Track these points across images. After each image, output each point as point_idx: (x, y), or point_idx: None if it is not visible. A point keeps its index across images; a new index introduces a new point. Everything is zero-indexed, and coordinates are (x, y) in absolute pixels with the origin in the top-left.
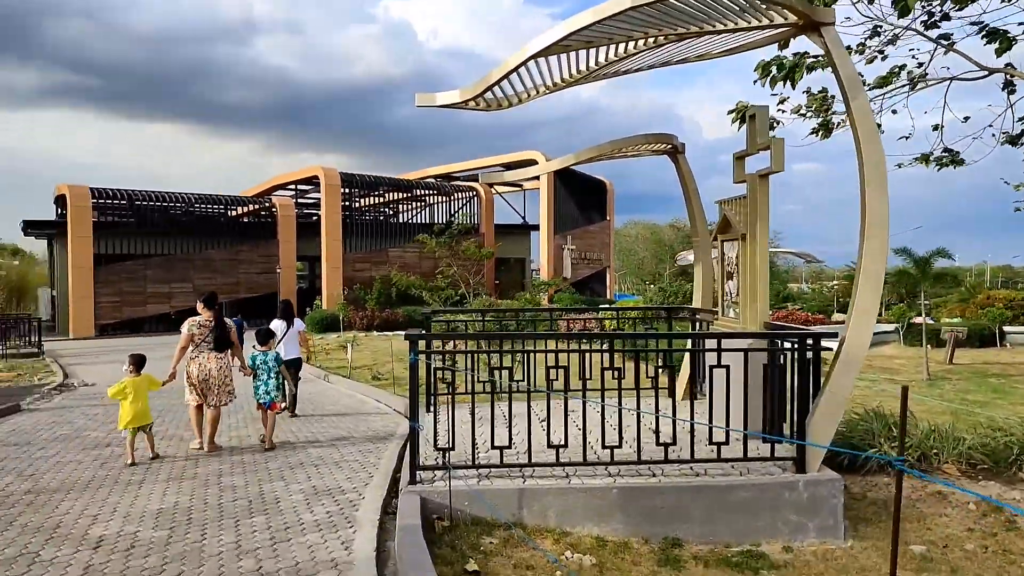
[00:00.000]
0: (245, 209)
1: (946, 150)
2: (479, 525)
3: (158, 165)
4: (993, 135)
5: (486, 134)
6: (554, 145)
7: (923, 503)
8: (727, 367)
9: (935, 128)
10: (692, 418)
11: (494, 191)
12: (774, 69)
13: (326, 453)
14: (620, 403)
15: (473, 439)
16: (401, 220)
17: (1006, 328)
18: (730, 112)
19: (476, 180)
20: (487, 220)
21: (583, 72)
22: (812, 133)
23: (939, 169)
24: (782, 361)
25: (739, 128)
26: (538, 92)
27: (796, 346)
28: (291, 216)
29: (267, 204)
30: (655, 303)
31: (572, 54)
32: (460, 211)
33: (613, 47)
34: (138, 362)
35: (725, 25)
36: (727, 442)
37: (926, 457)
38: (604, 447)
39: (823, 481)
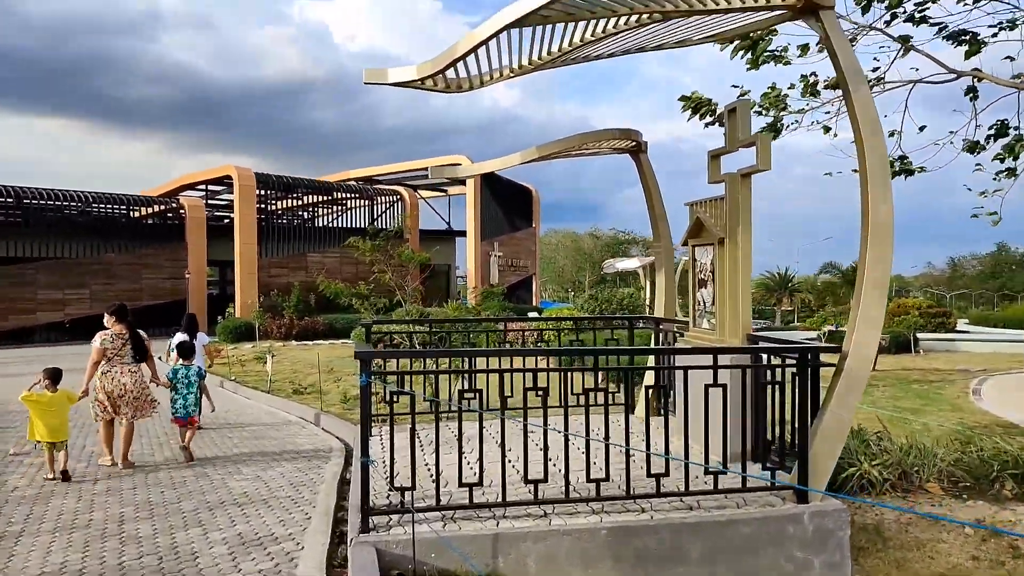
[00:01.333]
0: (150, 210)
1: (900, 158)
2: None
3: (54, 163)
4: (951, 143)
5: (403, 139)
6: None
7: (915, 527)
8: (723, 386)
9: (891, 135)
10: (667, 440)
11: (418, 195)
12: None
13: (251, 487)
14: (588, 425)
15: (437, 475)
16: (320, 224)
17: (919, 335)
18: (682, 99)
19: (400, 184)
20: (412, 225)
21: (553, 54)
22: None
23: (892, 178)
24: (775, 378)
25: (689, 119)
26: (502, 74)
27: (795, 361)
28: (201, 218)
29: (174, 205)
30: (588, 310)
31: (544, 31)
32: (384, 215)
33: (591, 25)
34: (53, 376)
35: (717, 4)
36: (725, 470)
37: (907, 475)
38: (589, 480)
39: (828, 512)
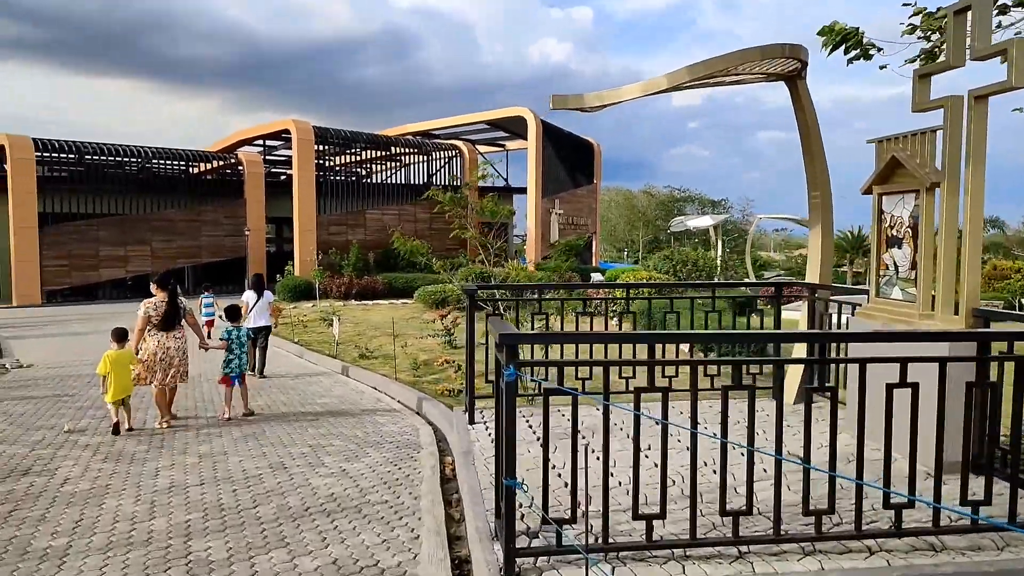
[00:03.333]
0: (208, 166)
1: None
2: None
3: (112, 122)
4: None
5: (451, 96)
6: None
7: None
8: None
9: None
10: (861, 448)
11: (477, 151)
12: None
13: (338, 486)
14: (780, 434)
15: (606, 504)
16: (378, 181)
17: None
18: (822, 33)
19: (456, 139)
20: (473, 181)
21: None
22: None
23: None
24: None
25: (829, 55)
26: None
27: None
28: (259, 173)
29: (232, 160)
30: (661, 272)
31: None
32: (443, 170)
33: None
34: (120, 336)
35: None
36: (986, 501)
37: None
38: (808, 512)
39: None
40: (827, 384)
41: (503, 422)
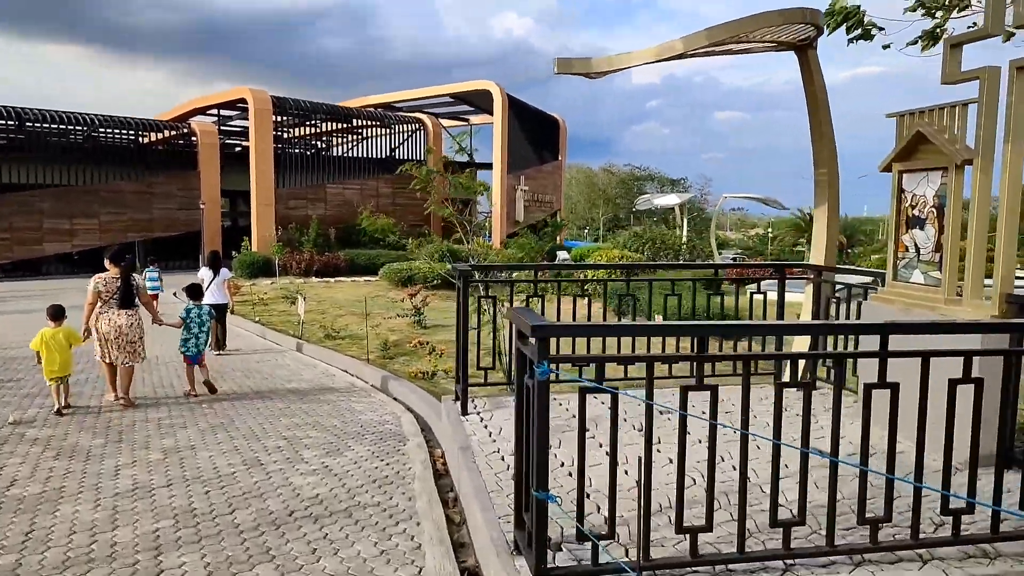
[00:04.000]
0: (159, 136)
1: None
2: None
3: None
4: None
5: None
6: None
7: None
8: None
9: None
10: (893, 441)
11: (441, 124)
12: None
13: (322, 485)
14: (807, 430)
15: (647, 516)
16: (339, 154)
17: None
18: (830, 14)
19: (419, 111)
20: (435, 156)
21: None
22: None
23: None
24: None
25: (831, 32)
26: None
27: None
28: (214, 144)
29: (185, 130)
30: (632, 250)
31: None
32: (404, 144)
33: None
34: (55, 313)
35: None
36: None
37: None
38: (863, 520)
39: None
40: (888, 381)
41: (532, 425)
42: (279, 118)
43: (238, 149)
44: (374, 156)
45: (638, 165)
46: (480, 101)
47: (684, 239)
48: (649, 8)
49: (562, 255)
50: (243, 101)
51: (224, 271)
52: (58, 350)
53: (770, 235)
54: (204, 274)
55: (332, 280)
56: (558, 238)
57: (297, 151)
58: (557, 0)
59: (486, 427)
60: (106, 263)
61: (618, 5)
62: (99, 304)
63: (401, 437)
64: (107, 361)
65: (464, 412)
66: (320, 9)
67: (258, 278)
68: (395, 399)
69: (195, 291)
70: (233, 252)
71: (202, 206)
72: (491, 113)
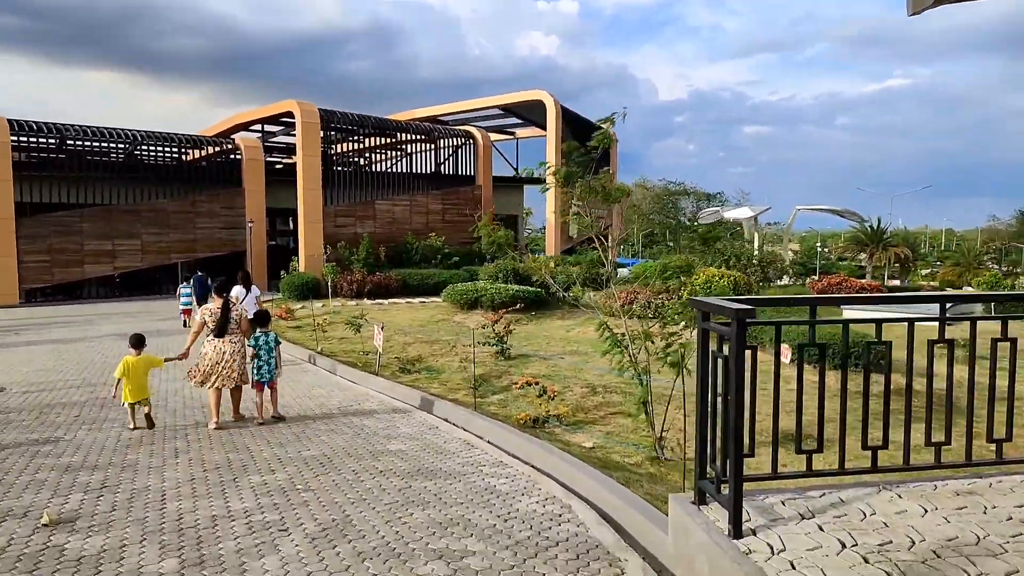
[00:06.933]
0: (203, 152)
1: None
2: None
3: (99, 115)
4: None
5: (439, 90)
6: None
7: None
8: None
9: None
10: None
11: (490, 137)
12: None
13: None
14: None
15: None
16: (386, 169)
17: None
18: None
19: (467, 124)
20: (484, 170)
21: None
22: None
23: None
24: None
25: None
26: None
27: None
28: (259, 160)
29: (229, 146)
30: (732, 269)
31: None
32: (452, 157)
33: None
34: (136, 342)
35: None
36: None
37: None
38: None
39: None
40: None
41: None
42: (325, 132)
43: (279, 166)
44: (421, 171)
45: (672, 180)
46: (530, 113)
47: (755, 254)
48: (671, 24)
49: (623, 273)
50: (288, 115)
51: (255, 288)
52: (135, 377)
53: (821, 249)
54: (237, 292)
55: (386, 302)
56: (610, 254)
57: (340, 169)
58: (579, 19)
59: (794, 568)
60: (211, 296)
61: (639, 23)
62: (207, 333)
63: (605, 554)
64: (201, 386)
65: (737, 533)
66: (348, 32)
67: (307, 300)
68: (538, 470)
69: (263, 318)
70: (281, 272)
71: (250, 224)
72: (539, 126)
